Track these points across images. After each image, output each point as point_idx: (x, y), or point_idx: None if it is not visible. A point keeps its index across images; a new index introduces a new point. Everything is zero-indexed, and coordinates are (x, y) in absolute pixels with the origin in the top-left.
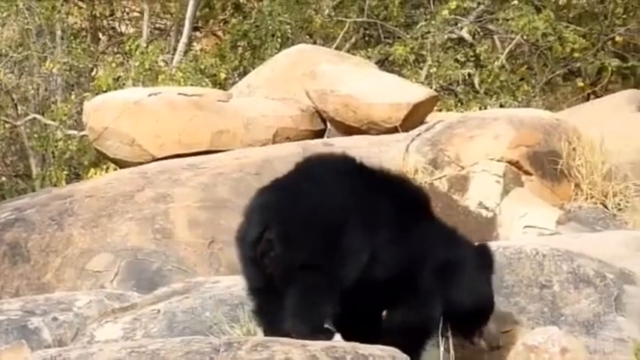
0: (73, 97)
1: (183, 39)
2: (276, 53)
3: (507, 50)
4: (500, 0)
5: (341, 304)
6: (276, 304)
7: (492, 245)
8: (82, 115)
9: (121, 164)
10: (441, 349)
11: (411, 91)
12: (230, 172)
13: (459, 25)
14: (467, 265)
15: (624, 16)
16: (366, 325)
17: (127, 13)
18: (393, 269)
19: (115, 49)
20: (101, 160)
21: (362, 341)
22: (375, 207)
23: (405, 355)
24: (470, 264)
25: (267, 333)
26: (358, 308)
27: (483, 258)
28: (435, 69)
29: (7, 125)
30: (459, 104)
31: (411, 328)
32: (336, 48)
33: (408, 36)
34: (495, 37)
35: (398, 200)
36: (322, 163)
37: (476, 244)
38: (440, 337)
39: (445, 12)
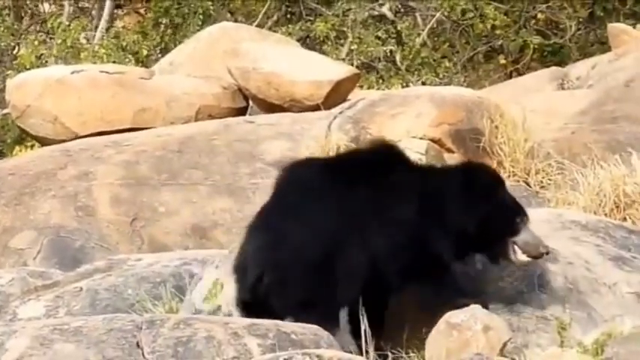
0: None
1: (105, 16)
2: (199, 31)
3: (428, 27)
4: None
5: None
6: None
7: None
8: (5, 93)
9: (43, 142)
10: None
11: (333, 69)
12: (152, 150)
13: (380, 1)
14: (456, 192)
15: None
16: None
17: None
18: (399, 254)
19: (38, 28)
20: (25, 137)
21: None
22: (360, 207)
23: (326, 332)
24: (461, 187)
25: None
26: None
27: (477, 177)
28: (356, 46)
29: None
30: (381, 81)
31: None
32: (258, 25)
33: (330, 13)
34: (417, 14)
35: (379, 187)
36: (298, 184)
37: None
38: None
39: None
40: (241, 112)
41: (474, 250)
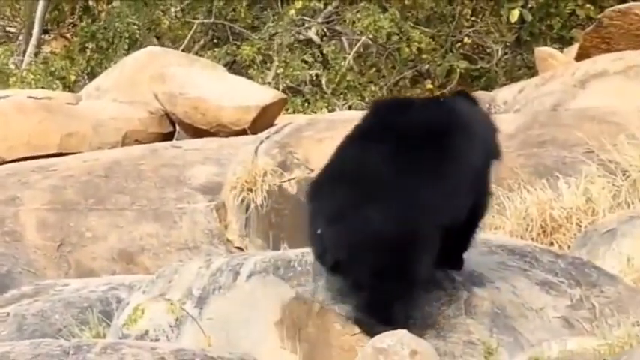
0: None
1: (33, 41)
2: (125, 55)
3: (354, 51)
4: (348, 1)
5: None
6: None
7: None
8: None
9: None
10: None
11: (259, 94)
12: (79, 175)
13: (306, 25)
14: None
15: (473, 18)
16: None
17: None
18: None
19: None
20: None
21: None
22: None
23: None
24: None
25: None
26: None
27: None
28: (282, 69)
29: None
30: (307, 104)
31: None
32: (185, 50)
33: (256, 37)
34: (343, 38)
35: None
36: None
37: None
38: None
39: (292, 12)
40: (168, 137)
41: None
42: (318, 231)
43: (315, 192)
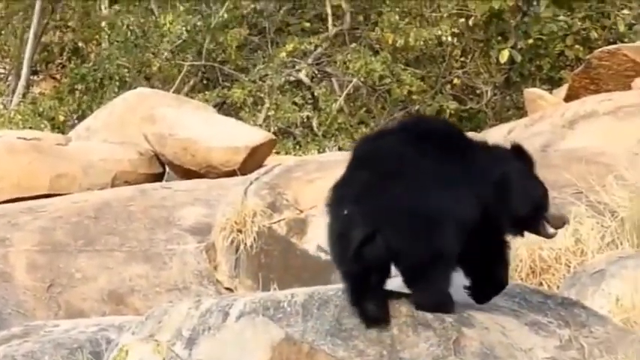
0: None
1: (22, 82)
2: (115, 96)
3: (345, 92)
4: (338, 43)
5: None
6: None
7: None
8: None
9: None
10: None
11: (249, 135)
12: (68, 216)
13: (297, 67)
14: (512, 172)
15: (462, 59)
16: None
17: None
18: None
19: None
20: None
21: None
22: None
23: None
24: (512, 169)
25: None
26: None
27: (520, 155)
28: (273, 112)
29: None
30: (297, 147)
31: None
32: (175, 91)
33: (247, 79)
34: (333, 79)
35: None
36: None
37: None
38: None
39: (283, 54)
40: (158, 177)
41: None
42: (345, 212)
43: (334, 189)
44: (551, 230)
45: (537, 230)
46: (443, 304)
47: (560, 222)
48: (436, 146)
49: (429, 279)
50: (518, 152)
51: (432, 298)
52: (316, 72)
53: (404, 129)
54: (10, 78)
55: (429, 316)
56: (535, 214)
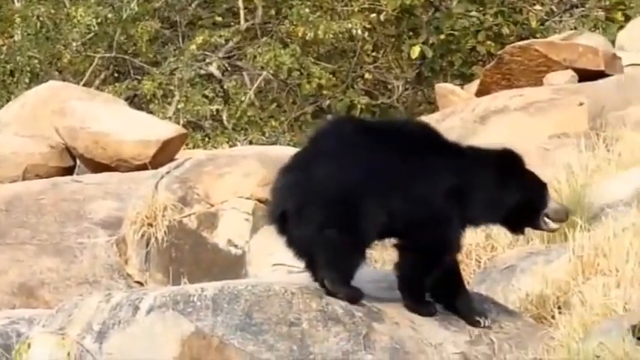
0: None
1: None
2: (26, 89)
3: (255, 86)
4: (250, 37)
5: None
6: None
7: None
8: None
9: None
10: None
11: (160, 128)
12: None
13: (208, 60)
14: (487, 175)
15: (374, 54)
16: None
17: None
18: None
19: None
20: None
21: None
22: (385, 161)
23: None
24: (490, 171)
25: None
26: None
27: (506, 159)
28: (183, 104)
29: None
30: (207, 139)
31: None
32: (86, 84)
33: (157, 71)
34: (244, 73)
35: (402, 145)
36: (328, 133)
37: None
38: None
39: (193, 47)
40: (69, 171)
41: (508, 226)
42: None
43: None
44: (552, 225)
45: (538, 225)
46: (350, 294)
47: (562, 215)
48: (409, 145)
49: (336, 263)
50: (500, 156)
51: (338, 285)
52: (227, 65)
53: (395, 128)
54: None
55: (339, 310)
56: (533, 210)
